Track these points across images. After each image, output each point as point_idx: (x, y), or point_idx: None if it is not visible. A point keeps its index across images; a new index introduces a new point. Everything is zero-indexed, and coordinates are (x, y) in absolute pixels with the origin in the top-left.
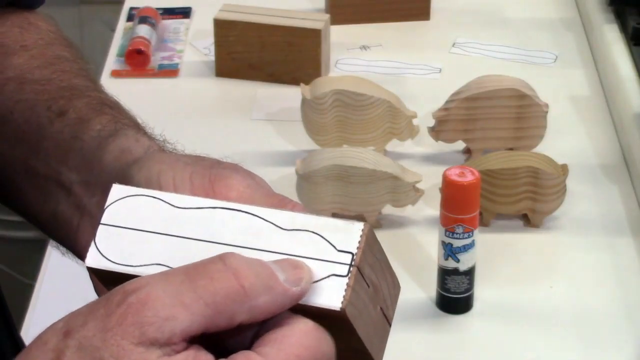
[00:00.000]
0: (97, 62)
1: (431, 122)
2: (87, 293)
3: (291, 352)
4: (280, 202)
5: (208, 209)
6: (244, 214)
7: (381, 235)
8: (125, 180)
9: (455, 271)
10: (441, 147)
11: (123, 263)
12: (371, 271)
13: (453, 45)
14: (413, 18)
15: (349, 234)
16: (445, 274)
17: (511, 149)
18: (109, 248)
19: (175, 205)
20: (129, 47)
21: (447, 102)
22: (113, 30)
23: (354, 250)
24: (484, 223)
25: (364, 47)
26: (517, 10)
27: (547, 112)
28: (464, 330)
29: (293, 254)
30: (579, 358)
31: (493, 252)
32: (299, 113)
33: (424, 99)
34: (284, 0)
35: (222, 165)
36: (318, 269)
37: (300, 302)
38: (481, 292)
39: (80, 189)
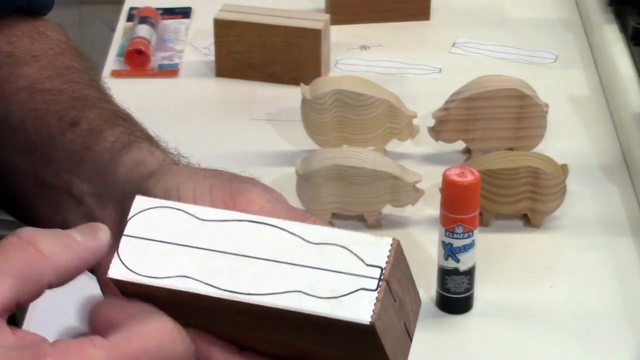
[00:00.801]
0: (97, 62)
1: (431, 122)
2: (86, 293)
3: (139, 344)
4: (301, 217)
5: (233, 221)
6: (270, 227)
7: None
8: (142, 193)
9: (455, 271)
10: (441, 147)
11: (148, 275)
12: (398, 286)
13: (453, 45)
14: (413, 18)
15: (378, 248)
16: (445, 274)
17: (511, 149)
18: (133, 260)
19: (200, 217)
20: (129, 47)
21: (447, 102)
22: (113, 30)
23: (383, 265)
24: (484, 223)
25: (364, 47)
26: (517, 10)
27: (547, 112)
28: (464, 330)
29: (321, 267)
30: (579, 358)
31: (493, 252)
32: (299, 113)
33: (424, 99)
34: (284, 0)
35: (241, 179)
36: (346, 283)
37: (328, 315)
38: (481, 292)
39: (91, 200)
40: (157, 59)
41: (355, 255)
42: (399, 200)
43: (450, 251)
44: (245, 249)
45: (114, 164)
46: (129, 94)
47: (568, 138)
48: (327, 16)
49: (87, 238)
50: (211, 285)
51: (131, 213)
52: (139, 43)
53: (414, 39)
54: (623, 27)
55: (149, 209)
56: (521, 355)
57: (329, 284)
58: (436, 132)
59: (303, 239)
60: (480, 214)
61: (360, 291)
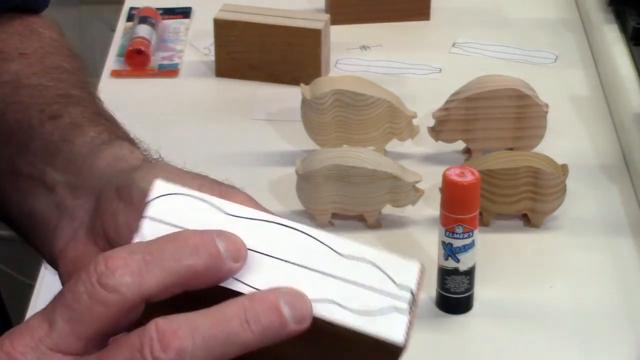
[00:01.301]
0: (97, 62)
1: (431, 122)
2: None
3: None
4: None
5: (261, 221)
6: (299, 232)
7: (381, 235)
8: (124, 185)
9: (455, 271)
10: (441, 147)
11: None
12: (415, 308)
13: (453, 45)
14: (413, 18)
15: (407, 270)
16: (445, 274)
17: (511, 149)
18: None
19: (227, 211)
20: (129, 47)
21: (447, 102)
22: (113, 30)
23: (414, 287)
24: (484, 223)
25: (364, 47)
26: (517, 10)
27: (547, 112)
28: (464, 330)
29: (353, 281)
30: (579, 358)
31: (493, 252)
32: (299, 113)
33: (424, 99)
34: (284, 0)
35: (225, 184)
36: (377, 300)
37: (361, 330)
38: (481, 292)
39: (64, 190)
40: (157, 59)
41: (386, 274)
42: (399, 200)
43: (450, 251)
44: (275, 251)
45: (91, 157)
46: (129, 94)
47: (568, 138)
48: (327, 16)
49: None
50: (241, 282)
51: (151, 196)
52: (139, 43)
53: (414, 39)
54: (623, 27)
55: (169, 194)
56: (521, 355)
57: (361, 298)
58: (436, 132)
59: (333, 250)
60: (480, 214)
61: (391, 310)
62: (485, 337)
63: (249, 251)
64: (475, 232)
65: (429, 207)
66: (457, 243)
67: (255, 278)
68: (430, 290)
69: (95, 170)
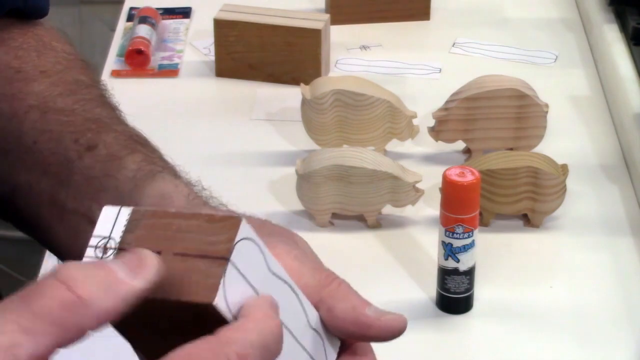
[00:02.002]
0: (97, 62)
1: (431, 122)
2: None
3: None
4: (327, 278)
5: (285, 284)
6: (299, 301)
7: (381, 235)
8: None
9: (455, 271)
10: (441, 147)
11: (233, 314)
12: None
13: (453, 45)
14: (413, 18)
15: (334, 346)
16: (445, 274)
17: (511, 149)
18: (231, 295)
19: (270, 267)
20: (129, 47)
21: (447, 102)
22: (113, 30)
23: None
24: (484, 223)
25: (364, 47)
26: (517, 10)
27: (547, 112)
28: (464, 330)
29: (307, 349)
30: (578, 358)
31: (493, 252)
32: (299, 113)
33: (424, 99)
34: (284, 0)
35: (269, 229)
36: None
37: None
38: (481, 292)
39: None
40: (157, 59)
41: (325, 350)
42: (399, 200)
43: (450, 251)
44: (291, 323)
45: (137, 195)
46: (129, 94)
47: (568, 138)
48: (327, 16)
49: (131, 275)
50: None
51: (238, 237)
52: (139, 43)
53: (414, 39)
54: (623, 27)
55: (246, 239)
56: (521, 355)
57: None
58: (436, 132)
59: (307, 320)
60: (480, 214)
61: None
62: (485, 337)
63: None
64: (475, 232)
65: (429, 207)
66: (457, 243)
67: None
68: (430, 290)
69: None
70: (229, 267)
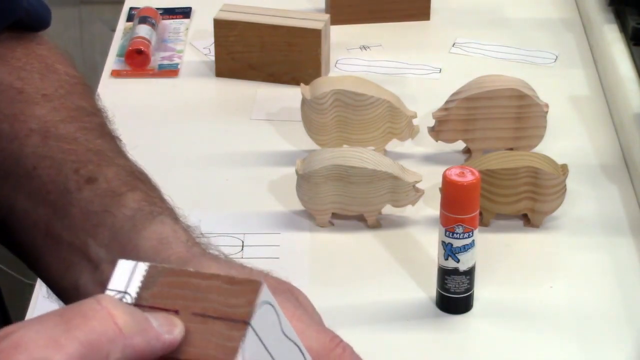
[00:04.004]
0: (97, 62)
1: (431, 122)
2: None
3: None
4: (331, 341)
5: (294, 345)
6: (297, 352)
7: (381, 235)
8: None
9: (455, 271)
10: (441, 147)
11: None
12: None
13: (453, 45)
14: (413, 18)
15: None
16: (445, 274)
17: (511, 149)
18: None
19: (283, 330)
20: (129, 47)
21: (447, 102)
22: (113, 30)
23: None
24: (484, 223)
25: (364, 47)
26: (517, 10)
27: (547, 112)
28: (464, 330)
29: None
30: (579, 358)
31: (493, 252)
32: (299, 113)
33: (424, 99)
34: (284, 0)
35: (271, 286)
36: None
37: None
38: (481, 292)
39: (109, 269)
40: (157, 59)
41: None
42: (399, 200)
43: (450, 251)
44: None
45: (135, 236)
46: (129, 94)
47: (568, 138)
48: (327, 16)
49: (164, 329)
50: None
51: (258, 301)
52: (139, 43)
53: (414, 39)
54: (623, 27)
55: (266, 302)
56: (521, 355)
57: None
58: (436, 132)
59: None
60: (480, 214)
61: None
62: (485, 337)
63: None
64: (475, 232)
65: (429, 207)
66: (457, 243)
67: None
68: (430, 290)
69: (140, 253)
70: (249, 331)
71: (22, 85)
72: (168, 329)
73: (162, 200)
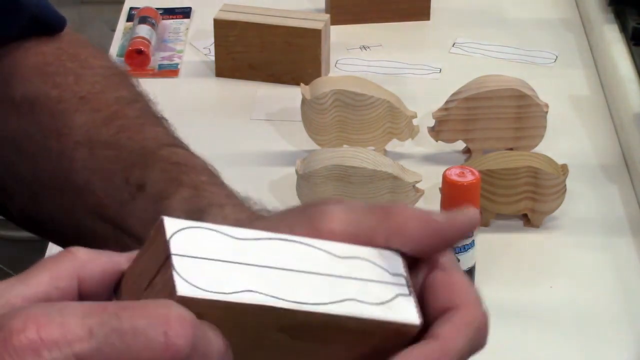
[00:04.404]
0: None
1: (431, 122)
2: None
3: None
4: (383, 211)
5: (265, 239)
6: (298, 243)
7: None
8: None
9: None
10: (441, 147)
11: (215, 291)
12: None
13: (453, 45)
14: (413, 18)
15: (393, 260)
16: None
17: (511, 149)
18: (194, 277)
19: (235, 236)
20: (129, 47)
21: (447, 102)
22: (113, 30)
23: (404, 273)
24: (484, 223)
25: (364, 47)
26: (517, 10)
27: (547, 112)
28: None
29: (358, 277)
30: (579, 358)
31: (493, 252)
32: (299, 113)
33: (424, 99)
34: (284, 0)
35: (312, 203)
36: (384, 290)
37: (387, 319)
38: (481, 292)
39: None
40: (157, 59)
41: (379, 266)
42: (399, 200)
43: None
44: (289, 264)
45: None
46: None
47: (568, 138)
48: (327, 16)
49: (130, 253)
50: (279, 298)
51: (167, 235)
52: (139, 43)
53: (414, 39)
54: (623, 27)
55: (181, 229)
56: (521, 355)
57: (371, 292)
58: (436, 132)
59: (330, 253)
60: (480, 214)
61: (399, 297)
62: None
63: (269, 269)
64: (475, 232)
65: (429, 207)
66: (457, 243)
67: (288, 292)
68: None
69: None
70: (175, 259)
71: (59, 93)
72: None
73: (208, 183)
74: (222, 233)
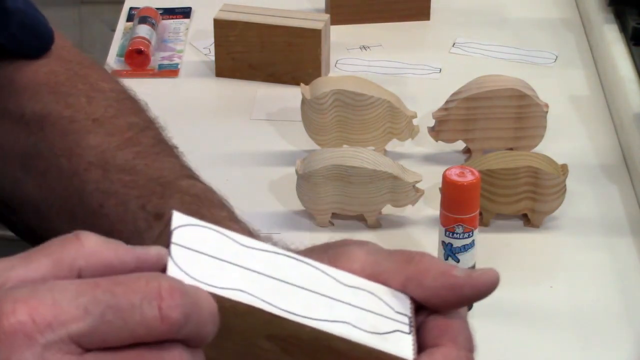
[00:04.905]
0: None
1: (431, 122)
2: None
3: None
4: (405, 256)
5: (272, 253)
6: (306, 264)
7: (381, 235)
8: None
9: None
10: (441, 147)
11: (207, 282)
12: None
13: (453, 45)
14: (413, 18)
15: (401, 301)
16: None
17: (511, 149)
18: (188, 267)
19: (241, 243)
20: (129, 47)
21: (447, 102)
22: (113, 30)
23: (409, 314)
24: (484, 223)
25: (364, 47)
26: (517, 10)
27: (547, 112)
28: None
29: (359, 306)
30: (579, 358)
31: (493, 252)
32: (299, 113)
33: (424, 99)
34: (284, 0)
35: (334, 244)
36: (384, 323)
37: (377, 347)
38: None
39: None
40: (157, 59)
41: (384, 302)
42: (399, 200)
43: (450, 251)
44: (290, 278)
45: None
46: None
47: (568, 138)
48: (327, 16)
49: (136, 248)
50: (269, 303)
51: (173, 225)
52: (139, 43)
53: (414, 39)
54: (623, 27)
55: (189, 225)
56: (521, 355)
57: (369, 321)
58: (436, 132)
59: (337, 280)
60: (480, 214)
61: (397, 332)
62: (485, 337)
63: (268, 277)
64: (475, 232)
65: (429, 207)
66: (457, 243)
67: (280, 300)
68: None
69: None
70: (173, 248)
71: (71, 113)
72: (141, 249)
73: (229, 220)
74: (228, 237)
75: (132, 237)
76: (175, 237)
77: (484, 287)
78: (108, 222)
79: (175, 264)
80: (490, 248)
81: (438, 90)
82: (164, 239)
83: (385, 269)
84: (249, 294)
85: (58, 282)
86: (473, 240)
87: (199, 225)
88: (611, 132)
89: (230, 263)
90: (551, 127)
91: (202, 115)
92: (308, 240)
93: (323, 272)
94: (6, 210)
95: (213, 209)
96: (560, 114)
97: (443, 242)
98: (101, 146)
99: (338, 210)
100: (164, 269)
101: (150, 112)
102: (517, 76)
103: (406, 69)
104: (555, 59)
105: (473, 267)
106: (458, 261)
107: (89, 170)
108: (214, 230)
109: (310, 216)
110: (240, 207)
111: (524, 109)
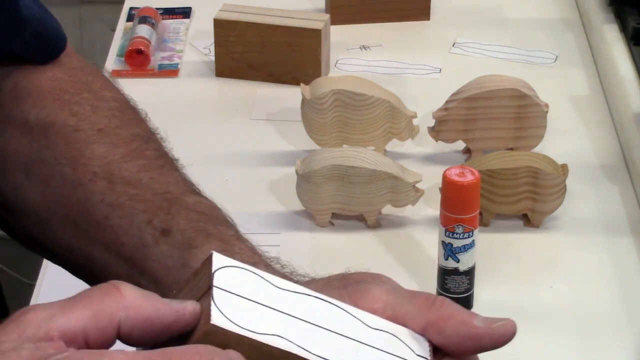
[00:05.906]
0: (97, 62)
1: (431, 122)
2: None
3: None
4: (426, 301)
5: (303, 294)
6: (334, 306)
7: (381, 235)
8: None
9: (455, 271)
10: (441, 147)
11: (247, 328)
12: None
13: (453, 45)
14: (413, 18)
15: (421, 343)
16: (445, 274)
17: (511, 149)
18: (230, 311)
19: (275, 284)
20: (129, 47)
21: (447, 102)
22: (113, 30)
23: (429, 357)
24: (484, 223)
25: (364, 47)
26: (517, 10)
27: (547, 112)
28: None
29: (383, 349)
30: (579, 358)
31: (493, 252)
32: (299, 113)
33: (424, 99)
34: (284, 0)
35: (357, 278)
36: None
37: None
38: (481, 292)
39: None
40: (157, 59)
41: (406, 344)
42: (399, 200)
43: (450, 251)
44: (320, 321)
45: None
46: (129, 94)
47: (568, 138)
48: (327, 16)
49: (173, 302)
50: (303, 348)
51: (213, 267)
52: (139, 43)
53: (414, 39)
54: (623, 27)
55: (227, 267)
56: (521, 355)
57: None
58: (436, 132)
59: (362, 322)
60: (480, 214)
61: None
62: None
63: (301, 321)
64: (475, 232)
65: (429, 207)
66: (457, 243)
67: (313, 345)
68: (430, 290)
69: None
70: (215, 290)
71: (76, 122)
72: (177, 302)
73: (236, 239)
74: (263, 279)
75: (137, 251)
76: (217, 281)
77: (503, 338)
78: (112, 233)
79: (218, 309)
80: (490, 248)
81: (438, 90)
82: (174, 257)
83: (406, 312)
84: (285, 339)
85: (112, 355)
86: (473, 240)
87: (237, 267)
88: (611, 132)
89: (267, 307)
90: (551, 127)
91: (202, 115)
92: (308, 240)
93: (349, 313)
94: (5, 214)
95: (220, 227)
96: (560, 114)
97: (443, 242)
98: (106, 157)
99: (338, 210)
100: (197, 322)
101: (150, 123)
102: (517, 76)
103: (406, 69)
104: (555, 59)
105: (473, 267)
106: (458, 261)
107: (94, 181)
108: (251, 271)
109: (310, 216)
110: (240, 207)
111: (524, 109)
